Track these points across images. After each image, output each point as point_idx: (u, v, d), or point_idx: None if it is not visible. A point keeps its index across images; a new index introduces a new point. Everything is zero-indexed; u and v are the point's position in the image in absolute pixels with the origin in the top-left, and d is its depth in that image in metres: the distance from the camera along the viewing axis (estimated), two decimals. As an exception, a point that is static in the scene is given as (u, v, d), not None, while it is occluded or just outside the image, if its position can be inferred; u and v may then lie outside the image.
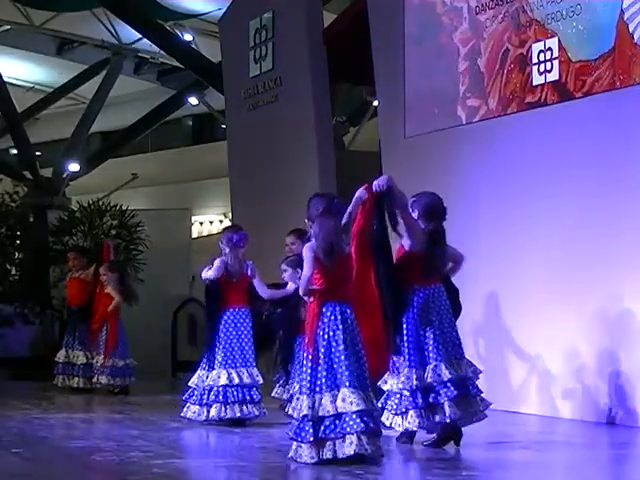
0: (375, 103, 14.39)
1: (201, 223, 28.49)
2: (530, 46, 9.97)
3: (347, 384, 6.61)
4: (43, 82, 28.97)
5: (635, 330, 8.81)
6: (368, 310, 7.14)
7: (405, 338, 7.35)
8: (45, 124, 30.53)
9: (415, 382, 7.26)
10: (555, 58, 9.65)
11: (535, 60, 9.89)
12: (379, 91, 12.47)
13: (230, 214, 17.21)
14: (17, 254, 17.78)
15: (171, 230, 19.34)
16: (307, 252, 6.83)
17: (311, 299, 6.86)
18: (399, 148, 11.80)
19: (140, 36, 22.22)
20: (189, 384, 9.19)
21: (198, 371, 9.15)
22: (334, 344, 6.71)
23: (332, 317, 6.75)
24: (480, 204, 10.54)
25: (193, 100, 22.90)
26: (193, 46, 22.85)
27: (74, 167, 22.68)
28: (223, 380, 8.91)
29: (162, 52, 22.39)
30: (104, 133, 30.13)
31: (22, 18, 23.65)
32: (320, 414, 6.61)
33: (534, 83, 9.91)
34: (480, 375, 7.52)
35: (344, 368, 6.65)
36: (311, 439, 6.61)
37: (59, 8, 22.46)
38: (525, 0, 10.09)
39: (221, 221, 27.95)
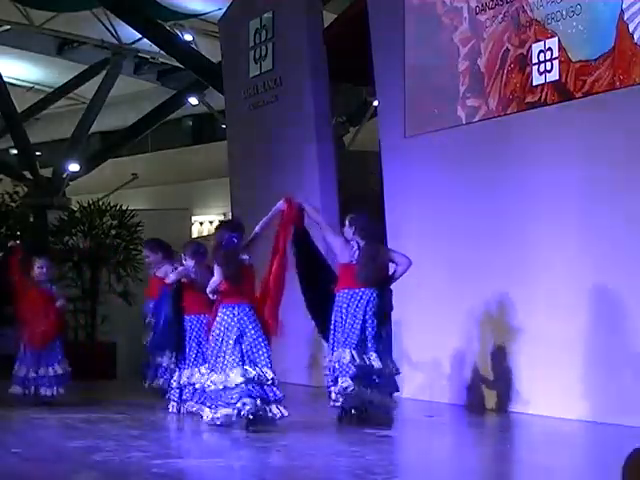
0: (375, 103, 14.38)
1: (201, 223, 28.48)
2: (530, 46, 9.96)
3: (235, 365, 8.29)
4: (43, 82, 28.97)
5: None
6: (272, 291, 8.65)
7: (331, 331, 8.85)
8: (45, 124, 30.54)
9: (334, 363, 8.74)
10: (555, 58, 9.65)
11: (535, 60, 9.88)
12: (379, 91, 12.47)
13: (230, 214, 17.20)
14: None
15: (171, 230, 19.32)
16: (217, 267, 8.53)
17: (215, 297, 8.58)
18: (399, 148, 11.80)
19: (140, 36, 22.23)
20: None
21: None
22: (226, 337, 8.39)
23: (229, 314, 8.41)
24: (479, 204, 10.53)
25: (193, 100, 22.90)
26: (193, 46, 22.86)
27: (74, 167, 22.69)
28: (183, 379, 9.65)
29: (162, 52, 22.39)
30: (104, 133, 30.12)
31: (22, 18, 23.65)
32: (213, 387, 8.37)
33: (534, 83, 9.90)
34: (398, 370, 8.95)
35: (233, 356, 8.32)
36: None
37: (59, 8, 22.46)
38: (525, 0, 10.09)
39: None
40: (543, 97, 9.82)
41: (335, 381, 8.72)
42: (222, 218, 27.70)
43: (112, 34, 24.16)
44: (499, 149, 10.38)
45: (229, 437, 8.33)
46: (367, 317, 8.71)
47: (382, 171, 12.07)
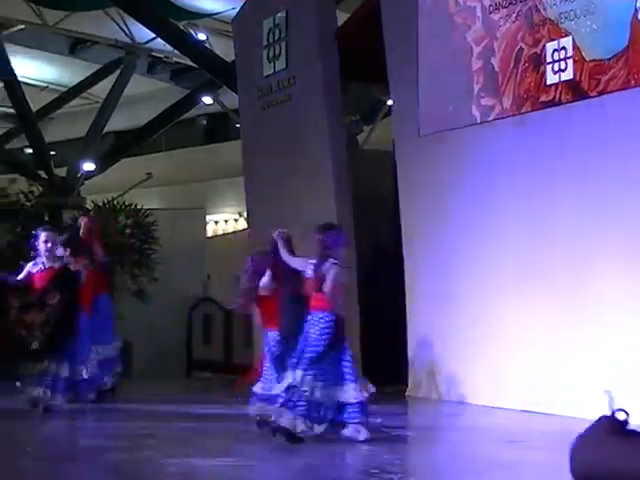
0: (389, 102, 14.36)
1: (216, 222, 28.53)
2: (544, 45, 9.93)
3: None
4: (57, 81, 29.05)
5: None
6: None
7: None
8: (59, 123, 30.63)
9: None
10: (569, 57, 9.62)
11: (549, 59, 9.85)
12: (392, 90, 12.45)
13: (245, 213, 17.22)
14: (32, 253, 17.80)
15: (186, 229, 19.40)
16: None
17: None
18: (413, 147, 11.78)
19: (154, 35, 22.27)
20: None
21: None
22: None
23: None
24: (494, 202, 10.51)
25: (207, 99, 22.91)
26: (207, 45, 22.89)
27: (88, 166, 22.75)
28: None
29: (176, 51, 22.42)
30: (118, 132, 30.16)
31: (36, 18, 23.72)
32: None
33: (548, 82, 9.87)
34: None
35: None
36: None
37: (72, 8, 22.52)
38: (539, -1, 10.06)
39: (236, 220, 27.98)
40: (557, 96, 9.79)
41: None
42: (237, 217, 27.83)
43: (126, 33, 24.22)
44: (513, 148, 10.35)
45: (238, 437, 8.31)
46: None
47: (396, 170, 12.05)
